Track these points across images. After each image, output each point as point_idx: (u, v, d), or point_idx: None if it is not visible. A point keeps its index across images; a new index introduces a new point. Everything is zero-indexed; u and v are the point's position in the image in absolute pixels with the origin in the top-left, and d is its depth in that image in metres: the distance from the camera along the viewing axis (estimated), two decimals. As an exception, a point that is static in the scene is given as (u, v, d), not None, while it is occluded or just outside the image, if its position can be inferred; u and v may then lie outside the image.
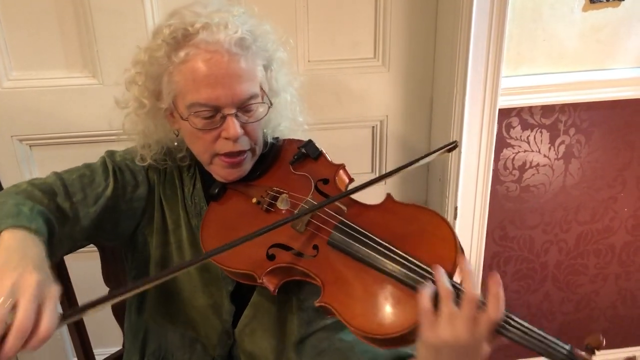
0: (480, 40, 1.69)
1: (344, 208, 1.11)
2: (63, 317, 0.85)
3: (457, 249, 0.99)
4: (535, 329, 0.93)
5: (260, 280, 1.09)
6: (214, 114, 1.11)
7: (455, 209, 1.91)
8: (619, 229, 2.12)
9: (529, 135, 1.92)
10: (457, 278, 0.97)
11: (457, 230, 1.94)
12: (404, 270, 0.98)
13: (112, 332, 1.61)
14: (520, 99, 1.85)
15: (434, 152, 1.14)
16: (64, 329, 1.99)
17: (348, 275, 1.03)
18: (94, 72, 1.75)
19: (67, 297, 1.43)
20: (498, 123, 1.84)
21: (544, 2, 1.77)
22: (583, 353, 0.91)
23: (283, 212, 1.16)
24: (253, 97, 1.13)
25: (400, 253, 1.00)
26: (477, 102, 1.77)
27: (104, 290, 1.53)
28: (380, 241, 1.03)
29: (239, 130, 1.11)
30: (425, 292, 0.91)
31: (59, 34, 1.71)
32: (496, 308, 0.89)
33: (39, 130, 1.79)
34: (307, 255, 1.09)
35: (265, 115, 1.17)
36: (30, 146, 1.81)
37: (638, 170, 2.04)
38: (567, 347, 0.92)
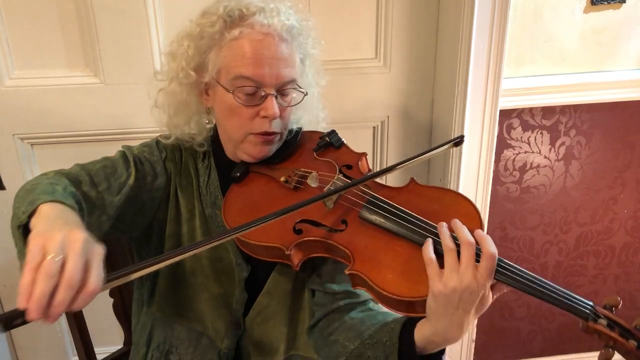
0: (482, 41, 1.69)
1: (370, 188, 1.16)
2: (108, 279, 0.85)
3: (481, 224, 1.05)
4: (534, 275, 0.99)
5: (288, 252, 1.12)
6: (256, 91, 1.16)
7: (456, 209, 1.91)
8: (619, 230, 2.13)
9: (529, 137, 1.93)
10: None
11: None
12: (435, 239, 1.02)
13: (113, 331, 1.62)
14: (521, 100, 1.85)
15: (443, 144, 1.17)
16: (65, 327, 1.99)
17: (378, 244, 1.08)
18: (96, 71, 1.75)
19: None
20: (499, 124, 1.84)
21: (545, 3, 1.77)
22: (604, 310, 1.00)
23: (313, 189, 1.19)
24: (293, 81, 1.19)
25: (429, 222, 1.05)
26: (478, 103, 1.77)
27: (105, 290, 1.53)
28: (411, 212, 1.08)
29: (277, 110, 1.16)
30: (428, 245, 0.99)
31: (61, 33, 1.71)
32: (488, 244, 0.96)
33: (41, 129, 1.79)
34: (336, 229, 1.12)
35: (300, 101, 1.23)
36: (31, 145, 1.81)
37: (638, 171, 2.04)
38: (590, 303, 0.99)
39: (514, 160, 1.96)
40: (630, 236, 2.14)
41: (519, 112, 1.88)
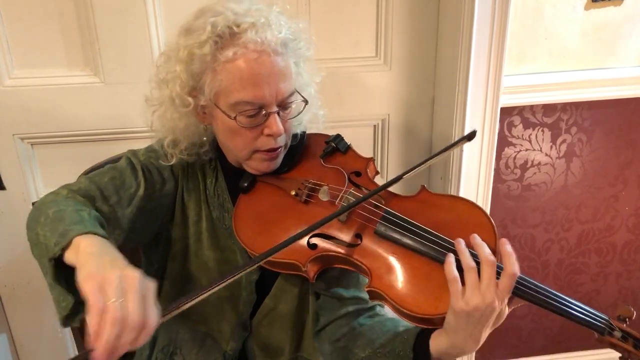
0: (483, 38, 1.68)
1: (382, 199, 1.16)
2: (163, 313, 0.88)
3: (495, 234, 1.06)
4: (550, 289, 1.01)
5: (305, 269, 1.12)
6: (258, 112, 1.13)
7: (457, 207, 1.91)
8: (620, 227, 2.12)
9: (530, 134, 1.92)
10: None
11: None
12: (454, 256, 1.02)
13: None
14: (522, 98, 1.85)
15: (457, 142, 1.18)
16: (66, 328, 1.99)
17: (394, 260, 1.08)
18: (96, 71, 1.74)
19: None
20: (500, 122, 1.84)
21: (546, 0, 1.77)
22: (619, 323, 1.04)
23: (324, 203, 1.19)
24: (292, 94, 1.17)
25: (445, 238, 1.05)
26: (478, 100, 1.77)
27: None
28: (425, 227, 1.08)
29: (282, 127, 1.15)
30: (451, 262, 0.98)
31: (60, 32, 1.70)
32: (511, 262, 0.96)
33: (41, 129, 1.78)
34: (350, 243, 1.12)
35: (302, 110, 1.20)
36: (31, 145, 1.81)
37: (639, 169, 2.04)
38: (605, 317, 1.01)
39: (515, 158, 1.95)
40: (632, 234, 2.14)
41: (520, 110, 1.88)
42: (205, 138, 1.24)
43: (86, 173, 1.40)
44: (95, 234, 0.97)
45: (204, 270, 1.27)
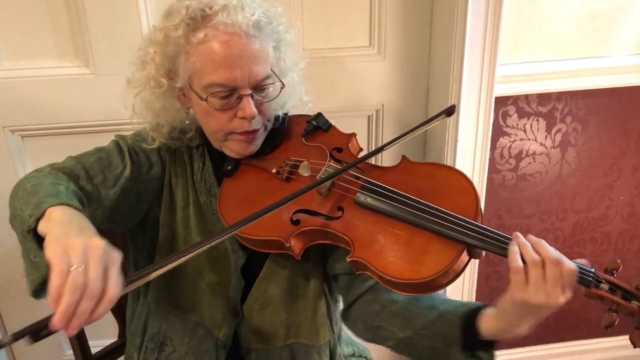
0: (477, 27, 1.67)
1: (362, 171, 1.17)
2: (128, 282, 0.88)
3: (477, 199, 1.07)
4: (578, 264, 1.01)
5: (288, 244, 1.12)
6: (231, 94, 1.14)
7: (452, 198, 1.91)
8: (615, 217, 2.12)
9: (525, 124, 1.92)
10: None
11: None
12: (431, 218, 1.04)
13: (108, 324, 1.60)
14: (516, 87, 1.84)
15: (434, 116, 1.16)
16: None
17: (376, 229, 1.08)
18: (86, 62, 1.72)
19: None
20: (494, 111, 1.83)
21: (541, -12, 1.76)
22: (605, 274, 1.03)
23: (305, 178, 1.19)
24: (267, 77, 1.17)
25: (426, 202, 1.06)
26: (473, 90, 1.76)
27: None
28: (405, 194, 1.08)
29: (255, 110, 1.15)
30: (515, 253, 0.98)
31: (49, 23, 1.68)
32: (567, 262, 0.97)
33: (31, 121, 1.77)
34: (333, 216, 1.13)
35: (278, 95, 1.21)
36: (22, 137, 1.79)
37: (634, 158, 2.03)
38: (592, 270, 1.02)
39: (509, 147, 1.95)
40: (627, 223, 2.14)
41: (514, 99, 1.87)
42: (187, 122, 1.25)
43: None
44: (69, 205, 0.97)
45: (194, 256, 1.26)
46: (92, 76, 1.74)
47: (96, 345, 1.57)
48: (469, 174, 1.87)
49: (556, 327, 2.29)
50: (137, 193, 1.23)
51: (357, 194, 1.12)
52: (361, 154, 1.25)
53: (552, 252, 0.98)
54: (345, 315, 1.29)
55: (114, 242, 1.45)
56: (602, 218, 2.12)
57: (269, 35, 1.16)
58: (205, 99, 1.14)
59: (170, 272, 1.28)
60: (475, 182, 1.90)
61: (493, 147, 1.92)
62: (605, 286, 1.01)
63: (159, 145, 1.25)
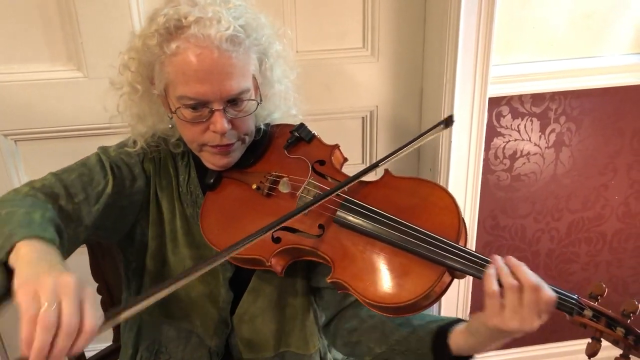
0: (470, 28, 1.67)
1: (345, 188, 1.13)
2: (106, 318, 0.86)
3: (460, 217, 1.04)
4: (559, 289, 0.98)
5: (269, 264, 1.11)
6: (202, 107, 1.12)
7: (447, 198, 1.90)
8: (610, 216, 2.12)
9: (519, 124, 1.92)
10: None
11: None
12: (412, 239, 1.02)
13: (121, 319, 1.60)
14: (510, 88, 1.84)
15: (432, 128, 1.16)
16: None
17: (356, 249, 1.06)
18: (79, 65, 1.72)
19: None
20: (488, 112, 1.83)
21: (533, -11, 1.76)
22: (589, 301, 0.98)
23: (285, 195, 1.17)
24: (243, 92, 1.13)
25: (406, 223, 1.04)
26: (467, 90, 1.76)
27: (92, 287, 1.51)
28: (385, 214, 1.06)
29: (226, 126, 1.12)
30: (491, 277, 0.95)
31: (42, 26, 1.68)
32: (546, 290, 0.94)
33: (24, 125, 1.76)
34: (313, 235, 1.11)
35: (255, 110, 1.17)
36: (15, 141, 1.79)
37: (628, 157, 2.04)
38: (575, 296, 0.98)
39: (504, 148, 1.95)
40: (622, 222, 2.14)
41: (508, 100, 1.87)
42: (171, 126, 1.23)
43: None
44: (41, 237, 0.95)
45: (182, 268, 1.26)
46: (85, 79, 1.73)
47: (90, 350, 1.56)
48: (463, 175, 1.88)
49: (550, 328, 2.29)
50: (121, 207, 1.22)
51: (337, 212, 1.10)
52: (353, 163, 1.23)
53: (532, 277, 0.94)
54: (325, 330, 1.28)
55: (102, 256, 1.47)
56: (597, 217, 2.12)
57: (249, 48, 1.12)
58: (176, 110, 1.13)
59: (161, 280, 1.28)
60: (470, 183, 1.90)
61: (487, 147, 1.92)
62: (588, 313, 0.97)
63: (142, 152, 1.23)
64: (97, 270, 1.50)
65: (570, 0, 1.79)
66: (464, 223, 1.05)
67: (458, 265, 0.99)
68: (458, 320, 1.08)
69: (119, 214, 1.22)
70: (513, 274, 0.95)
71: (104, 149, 1.25)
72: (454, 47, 1.70)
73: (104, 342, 1.61)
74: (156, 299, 0.91)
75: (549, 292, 0.94)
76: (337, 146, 1.24)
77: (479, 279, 0.98)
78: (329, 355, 1.35)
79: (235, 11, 1.11)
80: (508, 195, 2.03)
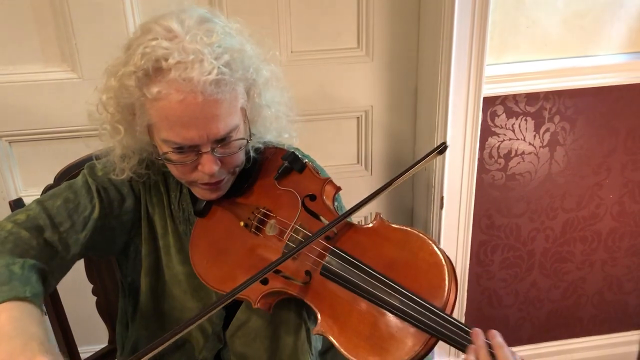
0: (464, 27, 1.68)
1: (334, 230, 1.11)
2: None
3: (449, 277, 1.01)
4: None
5: (256, 306, 1.10)
6: (190, 150, 1.08)
7: (442, 198, 1.91)
8: (605, 215, 2.13)
9: (513, 124, 1.92)
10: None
11: (444, 220, 1.94)
12: (398, 303, 1.00)
13: (97, 330, 1.60)
14: (504, 87, 1.84)
15: (426, 156, 1.13)
16: (48, 327, 1.97)
17: (342, 305, 1.04)
18: (73, 67, 1.72)
19: (52, 297, 1.41)
20: (483, 111, 1.83)
21: (527, -11, 1.76)
22: None
23: (271, 237, 1.16)
24: (232, 130, 1.09)
25: (394, 285, 1.01)
26: (461, 90, 1.76)
27: (87, 286, 1.51)
28: (373, 272, 1.03)
29: (215, 167, 1.09)
30: (473, 352, 0.94)
31: (35, 27, 1.67)
32: None
33: (18, 126, 1.76)
34: (300, 280, 1.09)
35: (244, 147, 1.14)
36: (9, 142, 1.78)
37: (623, 156, 2.04)
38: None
39: (498, 147, 1.95)
40: (617, 221, 2.14)
41: (502, 99, 1.87)
42: (159, 157, 1.17)
43: (63, 172, 1.39)
44: (21, 299, 0.94)
45: (176, 283, 1.25)
46: (79, 80, 1.73)
47: (86, 351, 1.56)
48: (458, 174, 1.89)
49: (547, 326, 2.29)
50: (111, 228, 1.20)
51: (324, 264, 1.07)
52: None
53: (509, 358, 0.94)
54: (322, 357, 1.28)
55: (97, 259, 1.47)
56: (592, 217, 2.12)
57: (235, 84, 1.06)
58: (163, 154, 1.09)
59: (157, 298, 1.28)
60: (465, 182, 1.91)
61: (482, 147, 1.92)
62: None
63: (129, 177, 1.20)
64: (93, 271, 1.50)
65: (564, 0, 1.80)
66: (455, 279, 1.02)
67: (449, 339, 0.97)
68: None
69: (109, 235, 1.20)
70: (493, 353, 0.94)
71: (90, 169, 1.21)
72: (448, 47, 1.70)
73: (99, 343, 1.61)
74: (160, 348, 0.93)
75: None
76: (328, 180, 1.20)
77: (462, 351, 0.97)
78: None
79: (218, 47, 1.03)
80: (503, 195, 2.03)
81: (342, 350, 1.00)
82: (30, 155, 1.80)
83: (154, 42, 1.01)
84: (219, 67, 1.01)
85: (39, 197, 1.18)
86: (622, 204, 2.12)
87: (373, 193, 1.11)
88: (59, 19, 1.67)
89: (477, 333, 0.96)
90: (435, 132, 1.83)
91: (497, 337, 0.96)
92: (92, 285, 1.52)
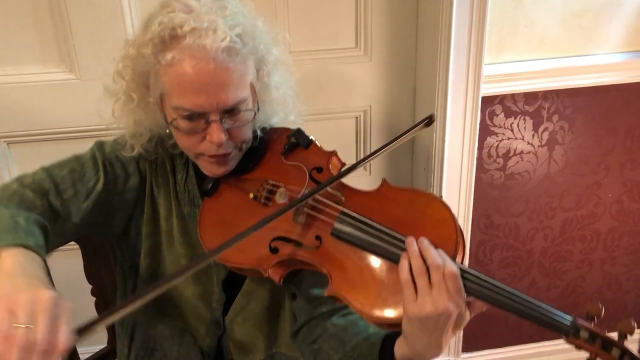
0: (462, 27, 1.68)
1: (342, 197, 1.12)
2: (78, 332, 0.85)
3: (457, 230, 1.02)
4: (509, 288, 0.96)
5: (267, 275, 1.10)
6: (199, 118, 1.10)
7: (440, 198, 1.91)
8: (604, 214, 2.13)
9: (512, 123, 1.92)
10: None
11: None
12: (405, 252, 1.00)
13: (96, 331, 1.59)
14: (502, 87, 1.84)
15: (412, 128, 1.14)
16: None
17: (354, 263, 1.05)
18: (71, 67, 1.72)
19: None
20: (481, 111, 1.83)
21: (525, -12, 1.77)
22: (586, 322, 0.95)
23: (282, 204, 1.16)
24: (240, 102, 1.11)
25: (402, 236, 1.02)
26: (459, 90, 1.76)
27: (86, 287, 1.51)
28: (383, 228, 1.04)
29: (223, 137, 1.10)
30: (404, 265, 0.95)
31: (33, 28, 1.67)
32: (449, 264, 0.93)
33: (17, 127, 1.76)
34: (311, 246, 1.10)
35: (252, 119, 1.16)
36: (8, 143, 1.78)
37: (621, 155, 2.04)
38: (570, 318, 0.95)
39: (497, 147, 1.95)
40: (615, 220, 2.15)
41: (501, 99, 1.88)
42: (168, 131, 1.21)
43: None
44: (25, 246, 0.95)
45: (176, 268, 1.26)
46: (78, 81, 1.73)
47: (85, 352, 1.55)
48: (457, 174, 1.89)
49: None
50: (112, 204, 1.21)
51: (334, 225, 1.09)
52: (344, 168, 1.23)
53: (436, 257, 0.94)
54: (295, 336, 1.26)
55: (96, 257, 1.46)
56: (591, 216, 2.13)
57: (245, 57, 1.10)
58: (172, 121, 1.11)
59: (156, 279, 1.28)
60: (464, 182, 1.91)
61: (480, 146, 1.92)
62: (584, 335, 0.94)
63: (138, 155, 1.22)
64: (91, 272, 1.50)
65: (562, 0, 1.80)
66: (462, 236, 1.03)
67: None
68: None
69: (110, 211, 1.21)
70: (422, 257, 0.95)
71: (99, 144, 1.24)
72: (446, 47, 1.70)
73: (99, 344, 1.60)
74: (141, 303, 0.90)
75: (451, 266, 0.93)
76: (334, 153, 1.22)
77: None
78: None
79: (232, 19, 1.08)
80: (502, 194, 2.03)
81: (356, 307, 1.01)
82: (28, 156, 1.80)
83: (171, 14, 1.06)
84: (231, 36, 1.05)
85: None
86: (620, 202, 2.12)
87: (366, 156, 1.13)
88: (57, 20, 1.67)
89: (411, 241, 0.98)
90: (434, 132, 1.83)
91: (423, 241, 0.97)
92: (91, 286, 1.52)
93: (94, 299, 1.54)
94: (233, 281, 1.26)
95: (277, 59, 1.20)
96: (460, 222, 1.96)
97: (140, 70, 1.12)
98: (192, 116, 1.09)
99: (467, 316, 0.96)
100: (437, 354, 0.96)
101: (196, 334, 1.28)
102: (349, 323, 1.15)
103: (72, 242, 1.42)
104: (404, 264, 0.95)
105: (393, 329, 1.01)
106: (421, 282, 0.93)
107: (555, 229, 2.13)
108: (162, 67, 1.07)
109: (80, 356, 1.53)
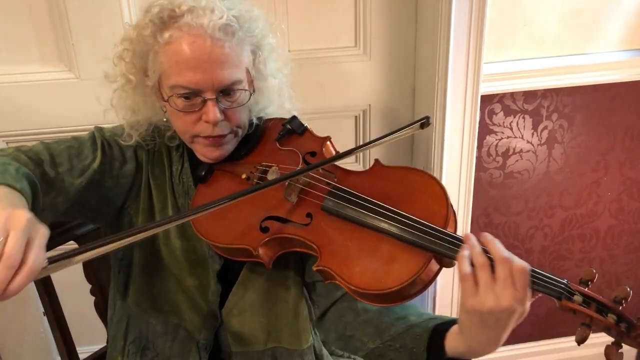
0: (461, 26, 1.68)
1: (333, 176, 1.14)
2: (50, 260, 0.84)
3: (448, 204, 1.02)
4: (548, 273, 0.95)
5: (256, 253, 1.11)
6: (195, 96, 1.13)
7: (440, 196, 1.91)
8: (603, 213, 2.13)
9: (511, 121, 1.92)
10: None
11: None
12: (399, 226, 1.00)
13: (95, 330, 1.60)
14: (502, 85, 1.84)
15: (407, 126, 1.14)
16: (48, 328, 1.97)
17: (343, 237, 1.06)
18: (70, 66, 1.72)
19: (47, 293, 1.41)
20: (480, 109, 1.83)
21: (524, -14, 1.77)
22: (579, 286, 0.95)
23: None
24: (236, 82, 1.15)
25: (392, 209, 1.02)
26: (459, 88, 1.76)
27: (85, 286, 1.51)
28: (372, 200, 1.05)
29: (218, 115, 1.13)
30: (464, 257, 0.93)
31: (32, 27, 1.67)
32: (516, 260, 0.90)
33: (16, 126, 1.76)
34: (301, 223, 1.11)
35: (248, 101, 1.18)
36: (7, 143, 1.78)
37: (620, 154, 2.04)
38: (564, 281, 0.94)
39: (496, 145, 1.95)
40: (615, 219, 2.15)
41: (500, 97, 1.88)
42: (166, 120, 1.24)
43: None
44: (12, 187, 0.97)
45: (172, 259, 1.26)
46: (76, 80, 1.73)
47: (84, 351, 1.56)
48: (456, 173, 1.88)
49: (546, 324, 2.29)
50: (106, 187, 1.22)
51: (324, 200, 1.10)
52: (346, 162, 1.23)
53: (502, 251, 0.91)
54: (319, 323, 1.27)
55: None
56: (590, 214, 2.13)
57: (242, 39, 1.14)
58: (167, 99, 1.14)
59: (150, 275, 1.28)
60: (463, 181, 1.90)
61: (480, 145, 1.92)
62: (578, 298, 0.92)
63: (136, 144, 1.25)
64: (90, 271, 1.50)
65: (561, -2, 1.80)
66: (453, 210, 1.03)
67: (444, 250, 0.96)
68: (455, 320, 1.04)
69: (103, 194, 1.22)
70: (485, 251, 0.93)
71: (99, 128, 1.26)
72: (445, 45, 1.70)
73: (98, 344, 1.60)
74: (117, 245, 0.90)
75: (520, 262, 0.90)
76: (328, 138, 1.24)
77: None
78: (324, 351, 1.34)
79: (229, 2, 1.13)
80: (501, 193, 2.03)
81: (343, 280, 1.01)
82: (27, 155, 1.80)
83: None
84: (228, 15, 1.10)
85: None
86: (620, 201, 2.12)
87: (359, 145, 1.15)
88: (56, 19, 1.67)
89: (470, 236, 0.95)
90: (433, 130, 1.83)
91: (486, 235, 0.95)
92: (90, 286, 1.51)
93: (93, 298, 1.54)
94: (229, 273, 1.26)
95: (272, 46, 1.23)
96: (460, 220, 1.96)
97: (140, 51, 1.15)
98: (188, 95, 1.12)
99: (527, 311, 0.94)
100: (491, 351, 0.96)
101: (192, 327, 1.27)
102: (381, 308, 1.14)
103: (71, 242, 1.43)
104: (463, 256, 0.93)
105: (381, 302, 1.01)
106: (485, 275, 0.90)
107: (554, 228, 2.13)
108: (161, 47, 1.11)
109: (80, 356, 1.53)
